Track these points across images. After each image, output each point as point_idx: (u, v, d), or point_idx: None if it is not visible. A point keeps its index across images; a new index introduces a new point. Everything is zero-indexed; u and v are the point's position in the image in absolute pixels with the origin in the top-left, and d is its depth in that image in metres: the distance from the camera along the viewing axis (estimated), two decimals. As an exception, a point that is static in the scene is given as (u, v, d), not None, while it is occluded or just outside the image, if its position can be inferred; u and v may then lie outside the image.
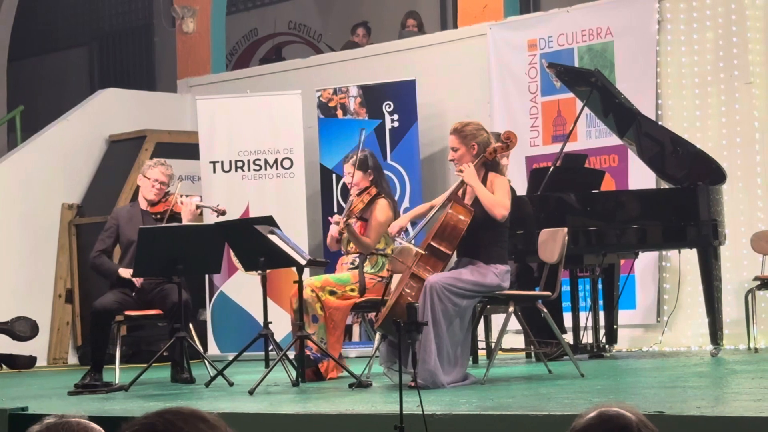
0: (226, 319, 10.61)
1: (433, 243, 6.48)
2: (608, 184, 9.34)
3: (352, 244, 7.70)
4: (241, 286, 10.47)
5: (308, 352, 7.20)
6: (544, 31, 10.38)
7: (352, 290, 7.48)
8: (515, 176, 8.92)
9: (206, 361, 7.72)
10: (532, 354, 8.45)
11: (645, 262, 9.49)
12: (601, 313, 8.63)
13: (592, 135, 10.01)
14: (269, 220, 7.28)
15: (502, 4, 10.91)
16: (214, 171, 10.71)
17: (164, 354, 7.66)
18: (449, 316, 6.35)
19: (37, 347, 11.09)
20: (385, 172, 10.01)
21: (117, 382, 7.55)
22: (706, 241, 7.97)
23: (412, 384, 5.97)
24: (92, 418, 2.33)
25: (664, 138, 8.42)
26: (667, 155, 8.37)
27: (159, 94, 13.76)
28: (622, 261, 8.88)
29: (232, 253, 9.24)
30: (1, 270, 11.27)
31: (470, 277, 6.46)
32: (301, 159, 10.68)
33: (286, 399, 6.39)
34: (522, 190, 8.79)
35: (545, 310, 6.91)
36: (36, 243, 11.55)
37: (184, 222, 7.79)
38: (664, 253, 9.49)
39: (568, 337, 8.32)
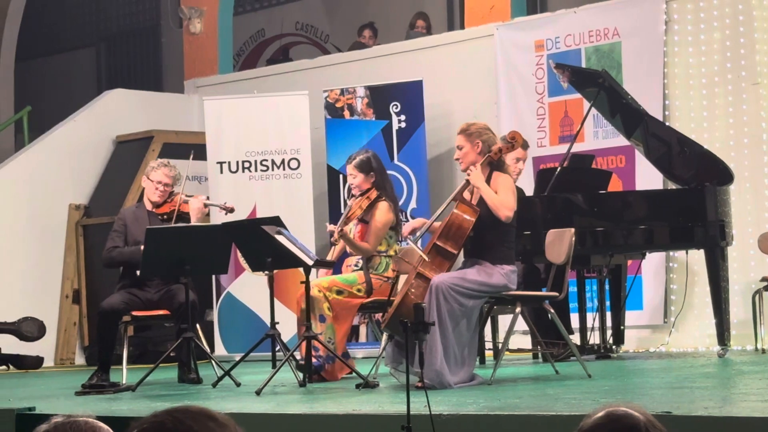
0: (233, 319, 10.60)
1: (438, 242, 6.49)
2: (615, 185, 9.32)
3: (354, 245, 7.70)
4: (248, 287, 10.46)
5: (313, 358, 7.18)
6: (551, 31, 10.37)
7: (359, 290, 7.48)
8: (523, 177, 8.90)
9: (213, 362, 7.71)
10: (539, 354, 8.44)
11: (652, 262, 9.48)
12: (608, 314, 8.61)
13: (599, 135, 10.00)
14: (276, 221, 7.27)
15: (509, 5, 10.90)
16: (221, 171, 10.71)
17: (171, 354, 7.66)
18: (455, 317, 6.35)
19: (44, 348, 11.09)
20: (392, 172, 10.07)
21: (124, 382, 7.56)
22: (714, 241, 7.95)
23: (419, 384, 5.98)
24: (99, 419, 2.33)
25: (671, 138, 8.41)
26: (675, 156, 8.36)
27: (166, 94, 13.76)
28: (629, 262, 8.86)
29: (239, 254, 9.26)
30: (8, 271, 11.28)
31: (476, 277, 6.45)
32: (308, 159, 10.67)
33: (293, 399, 6.40)
34: (529, 190, 8.78)
35: (552, 310, 6.91)
36: (43, 243, 11.55)
37: (193, 221, 7.79)
38: (671, 253, 9.47)
39: (575, 338, 8.30)
